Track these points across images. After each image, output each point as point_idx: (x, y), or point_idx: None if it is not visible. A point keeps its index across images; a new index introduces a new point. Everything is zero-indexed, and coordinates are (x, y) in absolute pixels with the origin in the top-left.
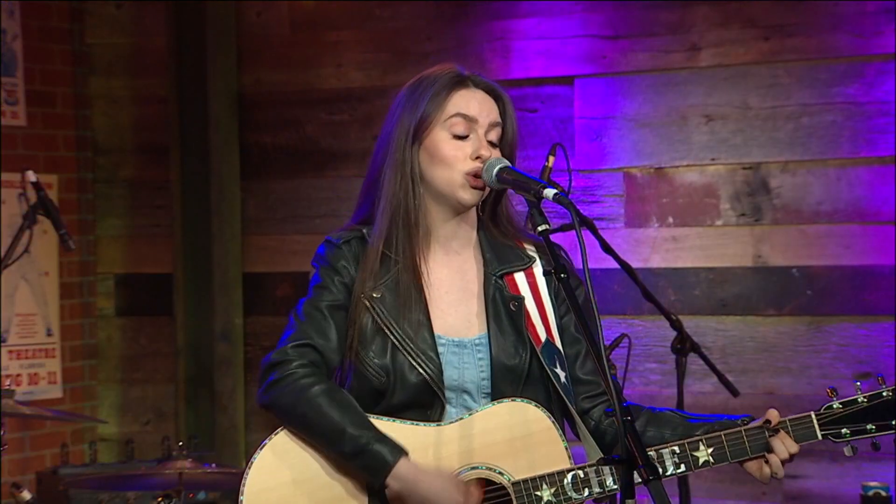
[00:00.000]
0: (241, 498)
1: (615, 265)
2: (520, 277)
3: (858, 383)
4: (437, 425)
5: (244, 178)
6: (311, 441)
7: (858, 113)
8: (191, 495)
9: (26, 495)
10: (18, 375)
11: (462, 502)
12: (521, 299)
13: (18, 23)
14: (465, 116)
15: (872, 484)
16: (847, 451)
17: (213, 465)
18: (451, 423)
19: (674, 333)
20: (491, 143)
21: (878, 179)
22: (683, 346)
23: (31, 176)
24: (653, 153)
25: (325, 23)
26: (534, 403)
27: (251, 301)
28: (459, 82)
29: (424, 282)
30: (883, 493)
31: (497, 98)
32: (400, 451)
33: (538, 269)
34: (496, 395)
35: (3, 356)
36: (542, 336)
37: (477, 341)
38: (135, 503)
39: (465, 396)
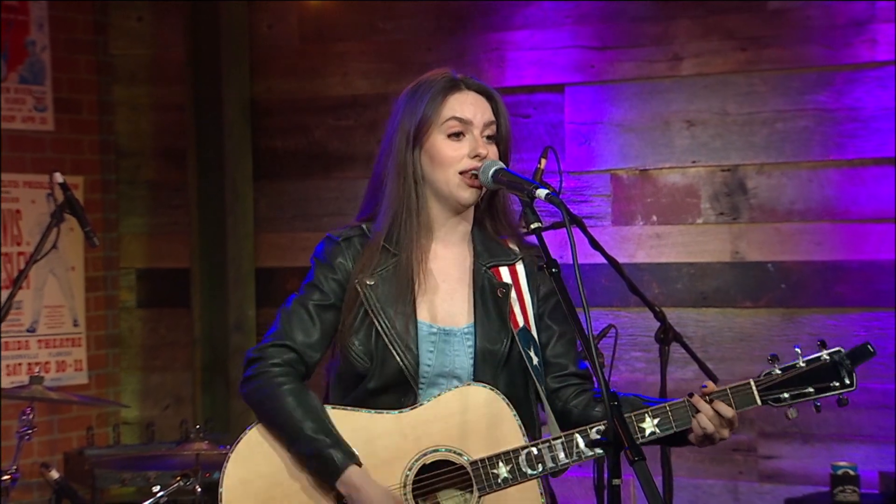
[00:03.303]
0: (220, 490)
1: (603, 260)
2: (504, 271)
3: (799, 349)
4: (399, 412)
5: (256, 180)
6: (277, 436)
7: (829, 119)
8: (207, 475)
9: (54, 474)
10: (47, 363)
11: None
12: (508, 286)
13: (47, 35)
14: (460, 119)
15: (841, 463)
16: (790, 413)
17: (228, 446)
18: (412, 409)
19: (657, 324)
20: (489, 139)
21: (847, 181)
22: (666, 335)
23: (59, 177)
24: (638, 156)
25: (332, 34)
26: (487, 386)
27: (263, 294)
28: (453, 86)
29: (419, 275)
30: (851, 472)
31: (489, 97)
32: (350, 458)
33: (520, 266)
34: (478, 378)
35: (32, 345)
36: (521, 323)
37: (466, 330)
38: (155, 482)
39: (455, 382)
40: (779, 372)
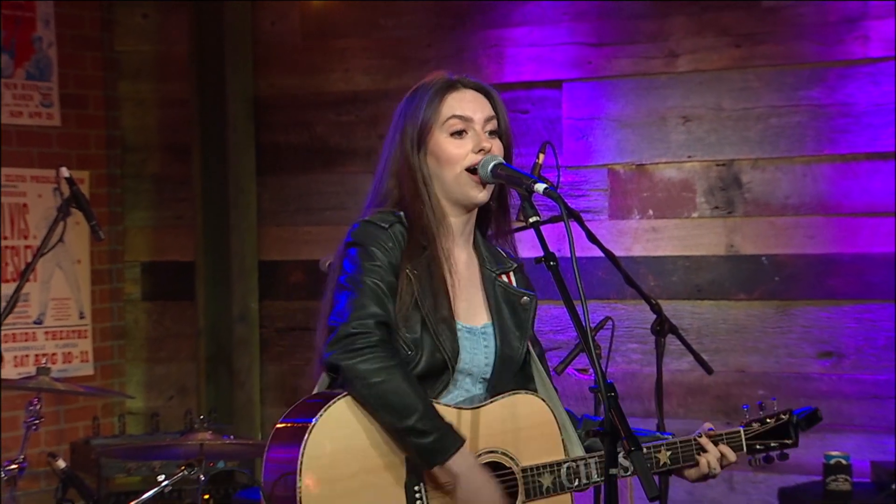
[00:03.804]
0: (300, 458)
1: (600, 254)
2: (511, 279)
3: (760, 404)
4: (460, 408)
5: (259, 174)
6: (374, 411)
7: (822, 114)
8: (211, 464)
9: (61, 463)
10: (54, 354)
11: None
12: (533, 296)
13: (53, 32)
14: (460, 117)
15: (834, 453)
16: (755, 462)
17: (232, 436)
18: (476, 407)
19: (653, 316)
20: (491, 134)
21: (840, 175)
22: (662, 327)
23: (65, 172)
24: (634, 151)
25: (333, 31)
26: (541, 397)
27: (266, 286)
28: (450, 87)
29: (448, 270)
30: (843, 462)
31: (486, 94)
32: (463, 440)
33: (512, 275)
34: (494, 380)
35: (39, 337)
36: (531, 331)
37: (483, 329)
38: (160, 471)
39: (468, 379)
40: (757, 425)
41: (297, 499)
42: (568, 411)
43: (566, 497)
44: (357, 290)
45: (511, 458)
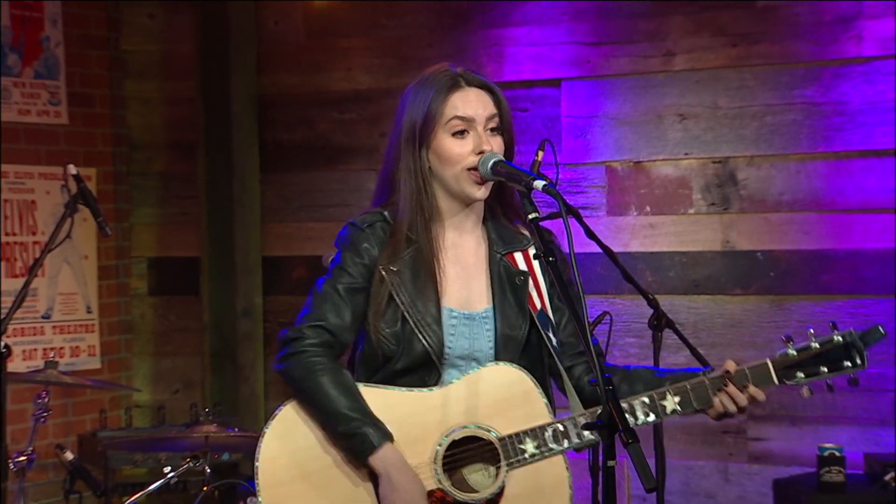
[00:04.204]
0: (256, 464)
1: (598, 250)
2: (518, 257)
3: (812, 330)
4: (430, 390)
5: (263, 172)
6: (312, 414)
7: (816, 113)
8: (216, 456)
9: (69, 455)
10: (61, 348)
11: None
12: (526, 274)
13: (61, 31)
14: (462, 118)
15: (828, 445)
16: (804, 392)
17: (236, 429)
18: (442, 387)
19: (650, 311)
20: (493, 131)
21: (834, 172)
22: (659, 322)
23: (72, 169)
24: (632, 148)
25: (336, 31)
26: (515, 366)
27: (270, 282)
28: (454, 84)
29: (439, 262)
30: (837, 454)
31: (490, 91)
32: (385, 437)
33: (532, 251)
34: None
35: (47, 331)
36: (538, 306)
37: (484, 314)
38: (166, 463)
39: (474, 364)
40: (794, 353)
41: (260, 501)
42: (609, 365)
43: (558, 459)
44: (312, 296)
45: (486, 430)
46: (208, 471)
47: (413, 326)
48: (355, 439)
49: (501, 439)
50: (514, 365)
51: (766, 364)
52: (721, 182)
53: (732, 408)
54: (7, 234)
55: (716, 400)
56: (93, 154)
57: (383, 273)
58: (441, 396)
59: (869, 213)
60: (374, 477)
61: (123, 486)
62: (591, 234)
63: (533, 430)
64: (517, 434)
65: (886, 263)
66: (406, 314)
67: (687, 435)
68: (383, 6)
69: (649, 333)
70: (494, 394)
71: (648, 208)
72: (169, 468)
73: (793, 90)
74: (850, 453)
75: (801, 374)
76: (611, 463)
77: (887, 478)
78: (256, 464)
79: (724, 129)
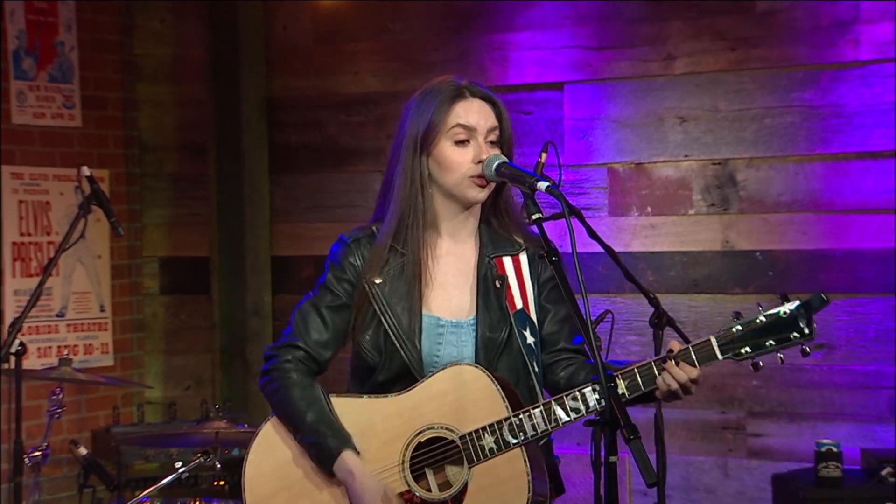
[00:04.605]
0: (243, 479)
1: (600, 249)
2: (507, 261)
3: (760, 306)
4: (396, 395)
5: (272, 173)
6: (286, 428)
7: (814, 115)
8: (226, 451)
9: (82, 451)
10: (75, 346)
11: None
12: (504, 278)
13: (75, 36)
14: (465, 126)
15: (825, 441)
16: (757, 365)
17: (246, 425)
18: (407, 391)
19: (651, 310)
20: (492, 143)
21: (832, 174)
22: (660, 320)
23: (86, 171)
24: (633, 150)
25: (343, 35)
26: (474, 364)
27: (279, 281)
28: (458, 94)
29: (428, 272)
30: (834, 450)
31: (493, 104)
32: (344, 444)
33: (524, 256)
34: (478, 364)
35: (62, 329)
36: (518, 306)
37: (471, 322)
38: (177, 458)
39: None
40: (739, 328)
41: None
42: (590, 363)
43: (516, 453)
44: (296, 314)
45: (450, 430)
46: (218, 466)
47: (393, 339)
48: (317, 448)
49: (462, 437)
50: (473, 364)
51: (710, 340)
52: (721, 183)
53: (674, 384)
54: (22, 235)
55: (658, 379)
56: (106, 156)
57: (366, 286)
58: (406, 400)
59: (866, 214)
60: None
61: (136, 480)
62: (593, 235)
63: (491, 425)
64: (476, 431)
65: (883, 263)
66: (387, 326)
67: (687, 431)
68: (390, 11)
69: (650, 332)
70: (455, 393)
71: (649, 209)
72: (180, 463)
73: (791, 93)
74: (847, 449)
75: (747, 349)
76: (613, 458)
77: (884, 473)
78: (243, 481)
79: (724, 132)
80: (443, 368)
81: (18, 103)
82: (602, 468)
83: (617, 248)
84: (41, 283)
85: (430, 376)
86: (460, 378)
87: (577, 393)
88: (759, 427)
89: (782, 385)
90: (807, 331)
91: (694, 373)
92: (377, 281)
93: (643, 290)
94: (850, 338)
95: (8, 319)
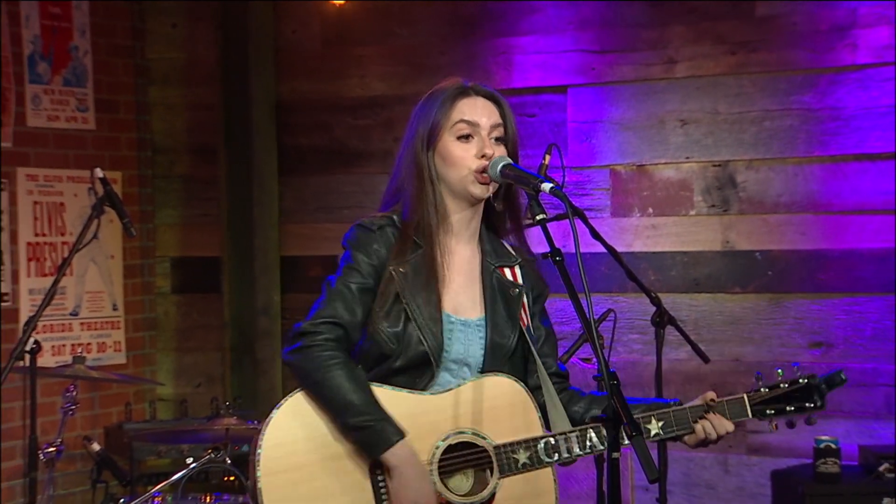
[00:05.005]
0: (258, 451)
1: (603, 250)
2: (507, 272)
3: (780, 371)
4: (431, 394)
5: (281, 174)
6: (322, 406)
7: (813, 118)
8: (236, 448)
9: (96, 447)
10: (89, 344)
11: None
12: (521, 287)
13: (89, 41)
14: (468, 122)
15: (824, 437)
16: (772, 426)
17: (255, 421)
18: (444, 392)
19: (653, 308)
20: (497, 140)
21: (830, 175)
22: (661, 319)
23: (99, 172)
24: (635, 152)
25: (351, 39)
26: (513, 378)
27: (288, 281)
28: (462, 93)
29: (442, 266)
30: (833, 446)
31: (496, 102)
32: (399, 434)
33: (518, 270)
34: (486, 368)
35: (75, 328)
36: (526, 321)
37: (478, 322)
38: (188, 454)
39: (465, 369)
40: (765, 390)
41: (258, 488)
42: (575, 389)
43: (547, 471)
44: (326, 293)
45: (482, 437)
46: (229, 461)
47: (416, 328)
48: (368, 433)
49: (496, 447)
50: (513, 377)
51: (743, 398)
52: (721, 184)
53: (714, 434)
54: (37, 235)
55: (698, 426)
56: (118, 158)
57: (393, 273)
58: (442, 400)
59: (864, 215)
60: (373, 472)
61: (148, 475)
62: (596, 235)
63: (527, 441)
64: (511, 444)
65: (881, 263)
66: (409, 315)
67: None
68: (397, 15)
69: (652, 330)
70: (492, 403)
71: (651, 210)
72: (191, 459)
73: (790, 96)
74: (845, 445)
75: (771, 411)
76: (615, 455)
77: (881, 468)
78: (259, 451)
79: (724, 134)
80: (482, 375)
81: (33, 106)
82: (605, 464)
83: (619, 249)
84: (55, 283)
85: (467, 381)
86: (499, 389)
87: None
88: (758, 424)
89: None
90: (819, 403)
91: (731, 426)
92: (402, 270)
93: (645, 290)
94: (848, 336)
95: (23, 318)
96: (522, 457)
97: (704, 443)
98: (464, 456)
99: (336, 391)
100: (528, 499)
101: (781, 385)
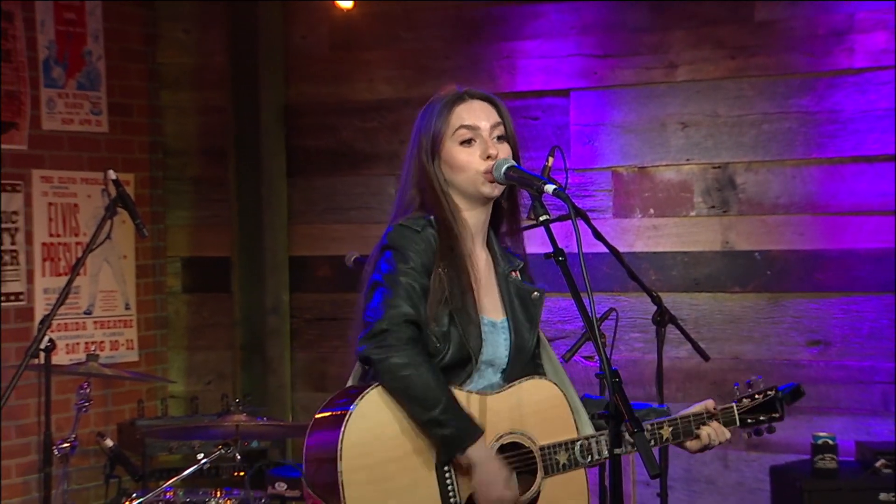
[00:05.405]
0: (339, 446)
1: (605, 250)
2: (515, 275)
3: (737, 386)
4: (485, 395)
5: (290, 176)
6: (402, 402)
7: (811, 121)
8: (246, 444)
9: (109, 443)
10: (102, 342)
11: (507, 497)
12: (542, 292)
13: (102, 46)
14: (468, 126)
15: (821, 434)
16: (745, 435)
17: (265, 418)
18: (496, 393)
19: (654, 308)
20: (500, 139)
21: (827, 177)
22: (662, 318)
23: (112, 174)
24: (637, 154)
25: (358, 44)
26: (553, 382)
27: (296, 280)
28: (458, 99)
29: (472, 269)
30: (830, 442)
31: (492, 103)
32: (481, 430)
33: (518, 272)
34: (509, 369)
35: (89, 326)
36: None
37: (502, 324)
38: (199, 450)
39: (490, 369)
40: (747, 400)
41: (340, 483)
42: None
43: (580, 472)
44: (392, 290)
45: (530, 438)
46: (238, 457)
47: (459, 328)
48: (455, 430)
49: (542, 449)
50: (550, 380)
51: (732, 408)
52: (721, 186)
53: (716, 440)
54: (51, 235)
55: (702, 433)
56: (131, 160)
57: (441, 274)
58: (493, 401)
59: (861, 216)
60: (439, 469)
61: (159, 471)
62: (598, 235)
63: (565, 443)
64: (553, 445)
65: (877, 263)
66: (454, 317)
67: None
68: (403, 20)
69: (653, 329)
70: (536, 405)
71: (652, 211)
72: (202, 455)
73: (788, 99)
74: (842, 442)
75: (750, 420)
76: (617, 451)
77: (877, 464)
78: (339, 445)
79: (724, 137)
80: (526, 379)
81: (48, 110)
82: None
83: (621, 249)
84: (69, 282)
85: (515, 384)
86: (542, 392)
87: (649, 425)
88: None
89: (780, 380)
90: (780, 413)
91: (728, 434)
92: (447, 271)
93: (646, 289)
94: (846, 335)
95: (38, 317)
96: (563, 458)
97: (707, 447)
98: (514, 456)
99: (424, 388)
100: (565, 499)
101: (756, 396)
